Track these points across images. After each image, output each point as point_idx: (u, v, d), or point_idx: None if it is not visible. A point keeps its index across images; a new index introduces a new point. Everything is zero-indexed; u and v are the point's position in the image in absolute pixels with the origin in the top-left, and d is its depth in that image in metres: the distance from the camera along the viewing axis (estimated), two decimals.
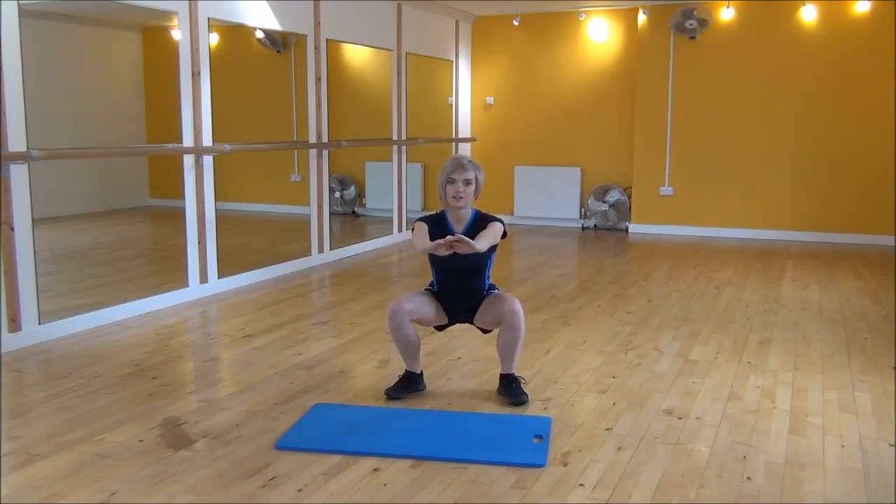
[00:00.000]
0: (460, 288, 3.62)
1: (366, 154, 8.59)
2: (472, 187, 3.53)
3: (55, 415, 3.42)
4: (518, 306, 3.50)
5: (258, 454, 3.01)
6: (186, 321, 5.11)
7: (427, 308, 3.59)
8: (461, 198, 3.51)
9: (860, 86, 8.08)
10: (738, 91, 8.51)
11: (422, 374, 3.72)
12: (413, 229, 3.57)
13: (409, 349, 3.61)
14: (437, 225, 3.57)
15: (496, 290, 3.68)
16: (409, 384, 3.66)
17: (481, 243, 3.33)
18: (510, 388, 3.59)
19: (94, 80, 6.66)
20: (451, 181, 3.50)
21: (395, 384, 3.66)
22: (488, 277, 3.66)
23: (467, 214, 3.60)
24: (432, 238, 3.44)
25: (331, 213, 7.25)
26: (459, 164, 3.52)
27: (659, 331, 4.81)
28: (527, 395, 3.56)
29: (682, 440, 3.15)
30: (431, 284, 3.71)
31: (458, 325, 3.68)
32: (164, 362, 4.18)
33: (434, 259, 3.55)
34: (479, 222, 3.57)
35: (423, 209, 8.87)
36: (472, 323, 3.69)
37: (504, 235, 3.56)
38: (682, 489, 2.74)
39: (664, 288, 6.06)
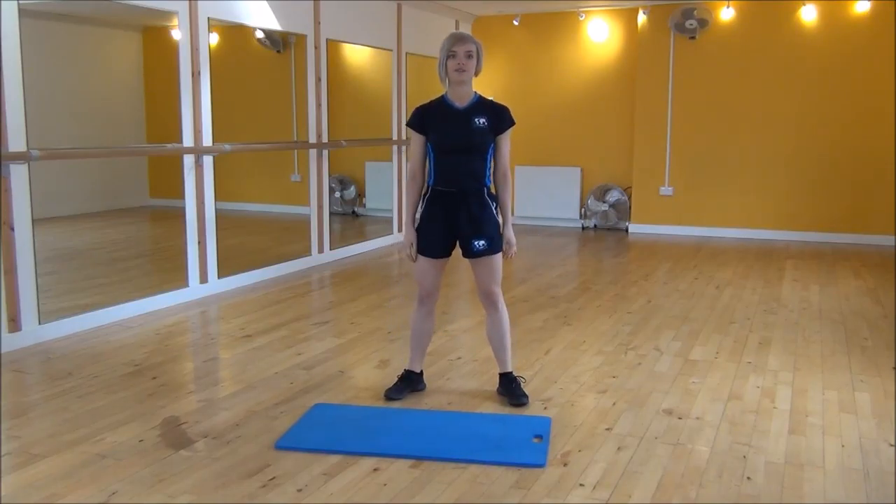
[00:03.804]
0: (461, 171, 3.43)
1: (366, 154, 8.59)
2: (474, 61, 3.41)
3: (55, 415, 3.42)
4: (495, 288, 3.51)
5: (258, 454, 3.01)
6: (186, 321, 5.11)
7: (437, 268, 3.54)
8: (464, 70, 3.37)
9: (860, 86, 8.08)
10: (737, 91, 8.51)
11: (422, 373, 3.72)
12: (409, 138, 3.51)
13: (421, 343, 3.65)
14: (438, 111, 3.45)
15: (494, 206, 3.50)
16: (409, 384, 3.66)
17: (508, 222, 3.54)
18: (510, 389, 3.59)
19: (94, 80, 6.66)
20: (453, 55, 3.37)
21: (394, 385, 3.65)
22: (489, 169, 3.51)
23: (469, 93, 3.47)
24: (435, 126, 3.40)
25: (331, 213, 7.25)
26: (460, 37, 3.39)
27: (659, 331, 4.81)
28: (527, 396, 3.56)
29: (682, 440, 3.15)
30: (427, 189, 3.52)
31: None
32: (164, 362, 4.18)
33: (434, 140, 3.42)
34: (486, 109, 3.46)
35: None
36: (468, 253, 3.49)
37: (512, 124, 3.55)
38: (682, 489, 2.74)
39: (664, 288, 6.06)
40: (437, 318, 5.06)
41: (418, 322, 3.64)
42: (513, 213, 9.37)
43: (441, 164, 3.45)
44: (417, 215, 3.58)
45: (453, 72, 3.39)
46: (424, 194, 3.55)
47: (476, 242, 3.44)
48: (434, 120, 3.44)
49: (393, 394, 3.60)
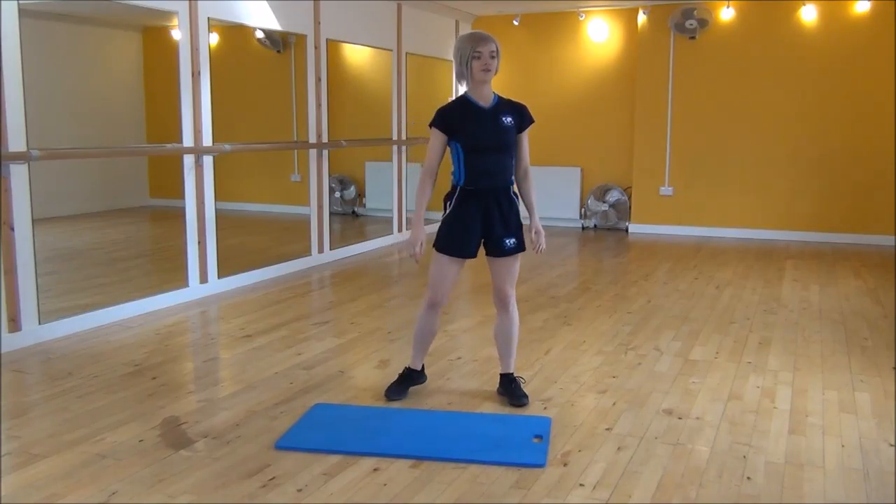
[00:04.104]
0: (492, 169, 3.42)
1: (366, 154, 8.59)
2: (496, 60, 3.42)
3: (55, 415, 3.42)
4: (511, 290, 3.54)
5: (258, 454, 3.01)
6: (186, 321, 5.11)
7: (459, 269, 3.50)
8: (489, 70, 3.38)
9: (860, 86, 8.08)
10: (737, 91, 8.51)
11: (423, 367, 3.71)
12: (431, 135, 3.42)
13: (426, 343, 3.63)
14: (465, 111, 3.42)
15: (517, 198, 3.52)
16: (410, 381, 3.65)
17: (536, 214, 3.52)
18: (510, 389, 3.59)
19: (94, 80, 6.67)
20: (478, 55, 3.36)
21: (393, 384, 3.64)
22: (513, 167, 3.54)
23: (490, 92, 3.48)
24: (464, 126, 3.37)
25: (331, 213, 7.24)
26: (483, 38, 3.38)
27: (659, 331, 4.81)
28: (527, 397, 3.56)
29: (682, 440, 3.15)
30: (455, 189, 3.48)
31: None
32: (164, 362, 4.18)
33: (464, 140, 3.39)
34: (509, 107, 3.47)
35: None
36: (497, 252, 3.48)
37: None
38: (682, 489, 2.74)
39: (664, 288, 6.06)
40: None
41: (426, 323, 3.59)
42: None
43: (472, 164, 3.43)
44: (439, 215, 3.57)
45: (479, 72, 3.38)
46: (451, 194, 3.51)
47: (507, 241, 3.46)
48: (462, 120, 3.41)
49: (393, 395, 3.59)
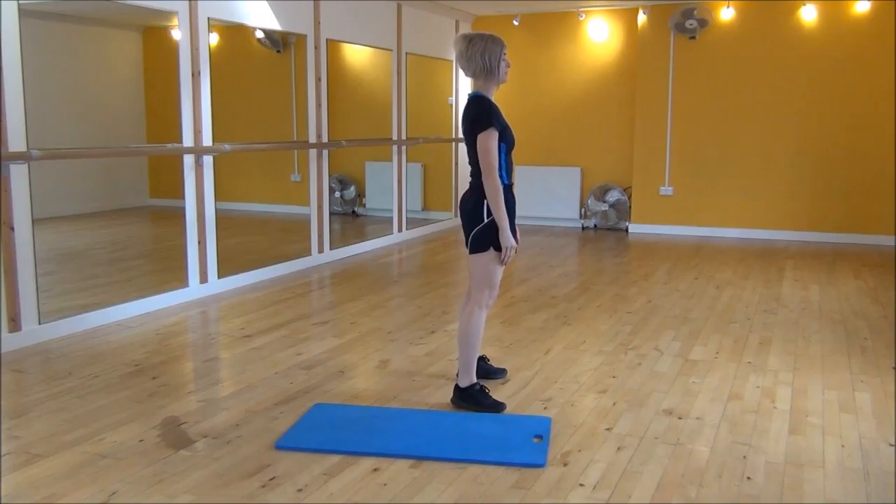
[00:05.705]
0: (511, 164, 3.59)
1: (366, 154, 8.59)
2: None
3: (55, 415, 3.42)
4: None
5: (258, 454, 3.01)
6: (186, 321, 5.11)
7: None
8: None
9: (860, 86, 8.08)
10: (738, 91, 8.51)
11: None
12: (490, 137, 3.37)
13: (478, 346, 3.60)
14: (498, 111, 3.45)
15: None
16: (486, 393, 3.54)
17: None
18: (490, 367, 3.78)
19: (94, 80, 6.66)
20: (504, 57, 3.45)
21: (489, 405, 3.47)
22: None
23: None
24: (503, 125, 3.40)
25: (331, 213, 7.24)
26: (504, 42, 3.48)
27: (659, 331, 4.81)
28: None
29: (682, 440, 3.15)
30: (481, 190, 3.50)
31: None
32: (164, 362, 4.18)
33: (506, 139, 3.44)
34: None
35: (423, 209, 8.87)
36: None
37: None
38: (682, 489, 2.74)
39: (664, 288, 6.06)
40: (438, 318, 5.08)
41: (482, 324, 3.54)
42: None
43: (508, 162, 3.53)
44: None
45: (505, 73, 3.49)
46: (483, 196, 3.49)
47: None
48: (501, 119, 3.43)
49: (501, 407, 3.48)
